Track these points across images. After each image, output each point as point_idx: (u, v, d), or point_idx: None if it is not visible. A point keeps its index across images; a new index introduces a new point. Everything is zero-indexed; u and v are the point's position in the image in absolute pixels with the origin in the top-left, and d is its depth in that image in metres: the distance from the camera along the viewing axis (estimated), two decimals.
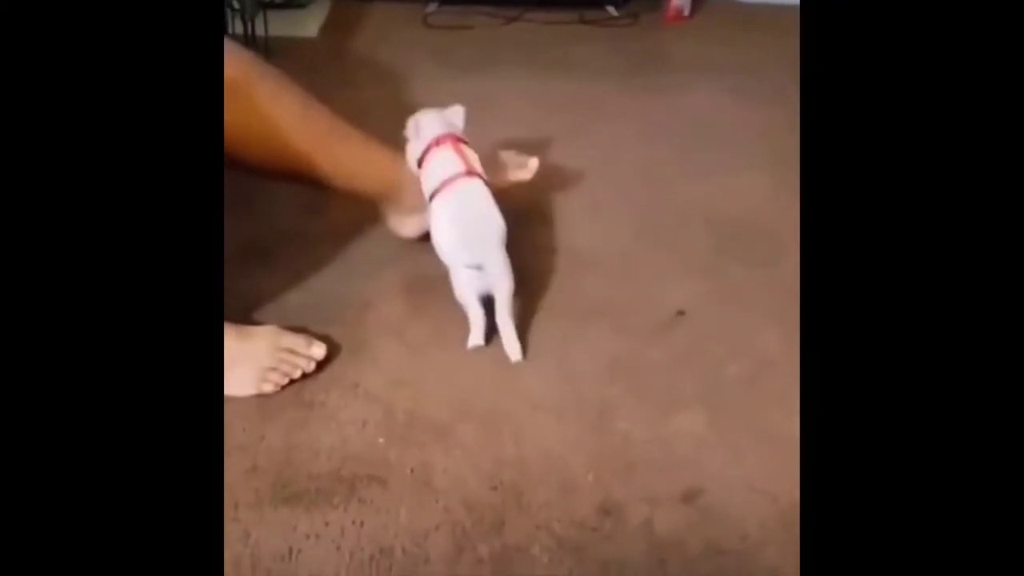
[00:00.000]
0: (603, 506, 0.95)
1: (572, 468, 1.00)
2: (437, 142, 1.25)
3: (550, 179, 1.44)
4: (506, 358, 1.15)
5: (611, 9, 2.35)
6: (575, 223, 1.44)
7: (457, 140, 1.26)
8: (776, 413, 1.07)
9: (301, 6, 2.28)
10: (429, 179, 1.24)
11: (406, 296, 1.27)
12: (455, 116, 1.29)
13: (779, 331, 1.20)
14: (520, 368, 1.14)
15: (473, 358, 1.15)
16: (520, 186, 1.37)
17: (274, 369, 1.09)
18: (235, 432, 1.03)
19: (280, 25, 2.06)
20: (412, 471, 0.99)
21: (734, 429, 1.06)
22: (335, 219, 1.40)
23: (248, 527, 0.92)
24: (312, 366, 1.11)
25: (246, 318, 1.18)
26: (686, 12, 2.33)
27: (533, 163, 1.37)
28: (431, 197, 1.23)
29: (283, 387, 1.09)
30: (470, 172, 1.23)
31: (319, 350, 1.12)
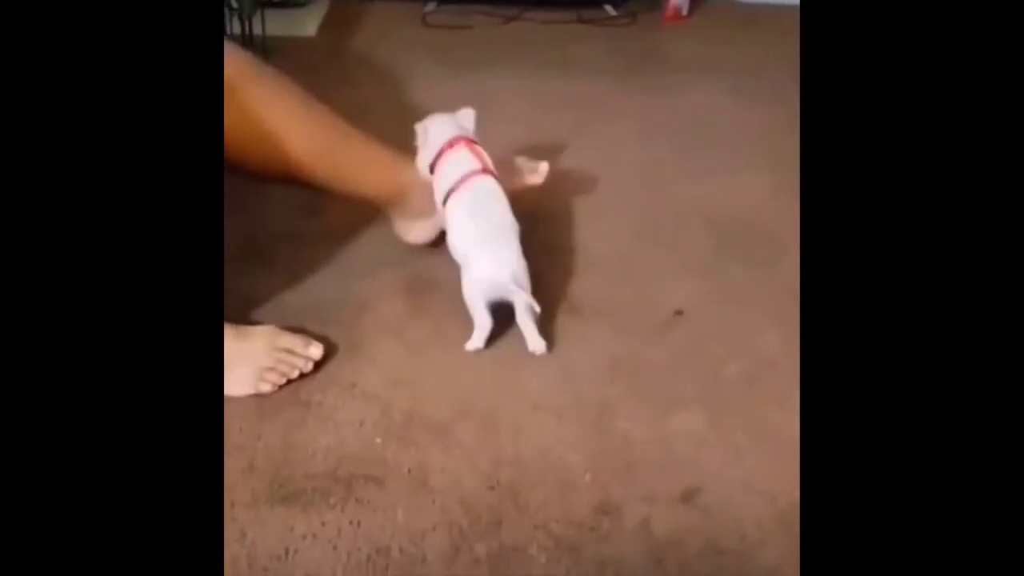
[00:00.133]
0: (601, 506, 0.95)
1: (570, 468, 1.00)
2: (450, 144, 1.24)
3: (550, 179, 1.43)
4: (506, 358, 1.15)
5: (609, 8, 2.35)
6: (575, 223, 1.44)
7: (471, 142, 1.25)
8: (776, 413, 1.07)
9: (299, 5, 2.28)
10: (443, 180, 1.22)
11: (405, 296, 1.27)
12: (466, 119, 1.28)
13: (779, 331, 1.19)
14: (519, 368, 1.13)
15: (472, 358, 1.15)
16: (530, 190, 1.36)
17: (272, 369, 1.08)
18: (232, 432, 1.02)
19: (278, 24, 2.06)
20: (409, 471, 0.99)
21: (733, 429, 1.05)
22: (333, 220, 1.40)
23: (245, 527, 0.92)
24: (310, 366, 1.11)
25: (244, 318, 1.17)
26: (684, 11, 2.33)
27: (543, 168, 1.37)
28: (446, 197, 1.21)
29: (280, 387, 1.09)
30: (485, 170, 1.22)
31: (317, 350, 1.11)
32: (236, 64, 1.10)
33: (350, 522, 0.93)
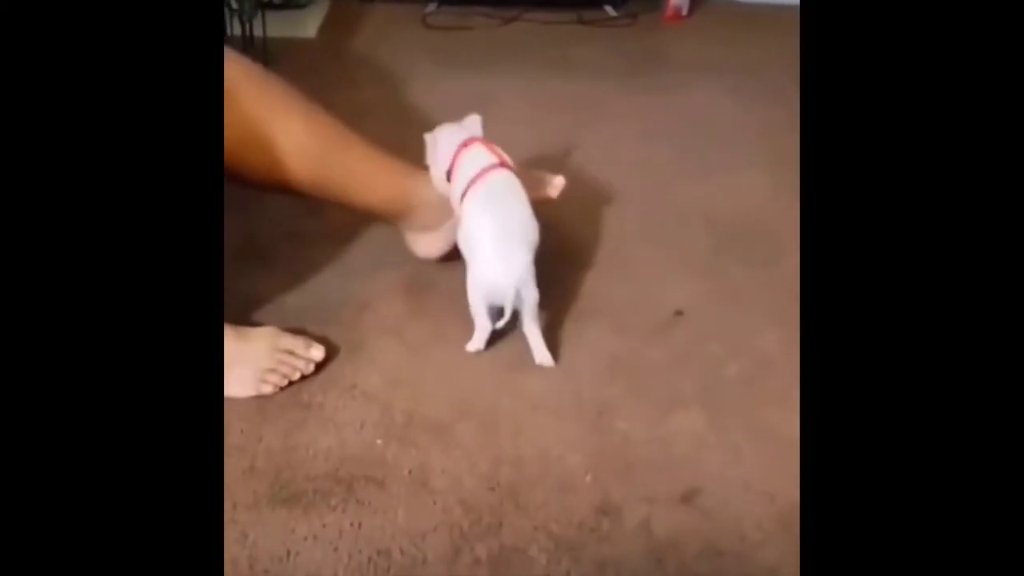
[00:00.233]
0: (601, 506, 0.95)
1: (570, 468, 1.00)
2: (464, 144, 1.20)
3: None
4: (506, 358, 1.15)
5: (609, 9, 2.35)
6: (574, 223, 1.44)
7: (485, 141, 1.22)
8: (775, 413, 1.07)
9: (300, 6, 2.28)
10: (460, 179, 1.18)
11: (405, 297, 1.27)
12: (473, 125, 1.24)
13: (779, 331, 1.19)
14: (519, 368, 1.13)
15: (472, 358, 1.15)
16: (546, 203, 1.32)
17: (273, 370, 1.08)
18: (233, 433, 1.02)
19: (279, 25, 2.06)
20: (410, 472, 0.99)
21: (733, 429, 1.05)
22: (333, 220, 1.40)
23: (246, 528, 0.92)
24: (311, 368, 1.11)
25: (245, 319, 1.17)
26: (684, 12, 2.33)
27: (559, 181, 1.32)
28: (463, 195, 1.16)
29: (282, 388, 1.09)
30: (503, 164, 1.19)
31: (318, 352, 1.11)
32: (235, 70, 1.07)
33: (351, 523, 0.93)
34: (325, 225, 1.40)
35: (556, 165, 1.54)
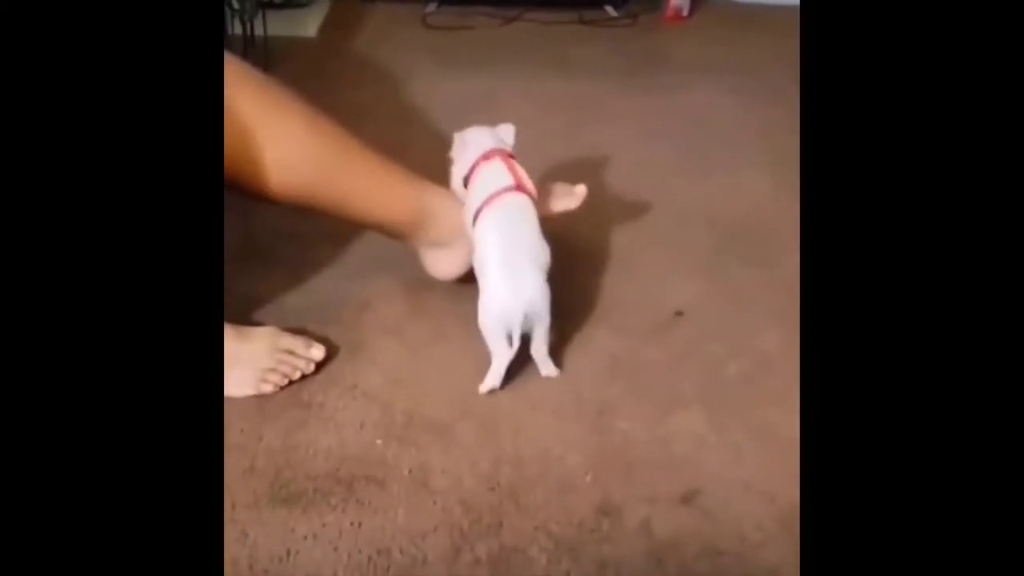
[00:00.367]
0: (601, 506, 0.95)
1: (571, 468, 1.00)
2: (486, 156, 1.16)
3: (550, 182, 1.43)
4: None
5: (610, 9, 2.35)
6: (574, 223, 1.43)
7: (507, 156, 1.17)
8: (775, 413, 1.07)
9: (300, 6, 2.28)
10: (474, 196, 1.13)
11: (405, 296, 1.27)
12: (506, 134, 1.20)
13: (779, 331, 1.19)
14: (520, 368, 1.13)
15: (472, 357, 1.14)
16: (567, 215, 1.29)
17: (273, 370, 1.08)
18: (233, 432, 1.02)
19: (279, 25, 2.06)
20: (410, 472, 0.99)
21: (733, 429, 1.05)
22: (333, 220, 1.40)
23: (246, 527, 0.92)
24: (311, 368, 1.11)
25: (245, 319, 1.17)
26: (685, 12, 2.33)
27: (580, 190, 1.27)
28: (476, 214, 1.12)
29: (282, 388, 1.09)
30: (519, 187, 1.14)
31: (318, 352, 1.11)
32: (233, 76, 1.02)
33: (351, 523, 0.93)
34: (325, 225, 1.39)
35: (556, 165, 1.55)
